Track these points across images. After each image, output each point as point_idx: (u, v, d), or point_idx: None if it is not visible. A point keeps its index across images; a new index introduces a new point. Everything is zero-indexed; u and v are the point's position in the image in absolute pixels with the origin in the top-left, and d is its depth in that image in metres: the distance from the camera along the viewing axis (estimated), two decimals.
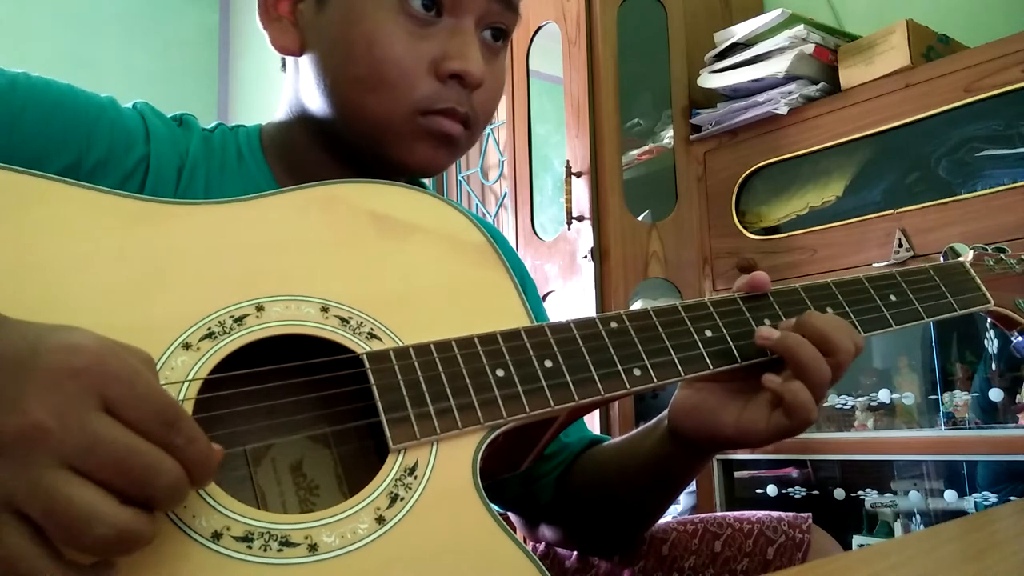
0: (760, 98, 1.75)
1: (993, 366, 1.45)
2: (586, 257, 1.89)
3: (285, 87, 0.80)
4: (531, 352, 0.57)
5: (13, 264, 0.50)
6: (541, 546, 0.90)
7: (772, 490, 1.73)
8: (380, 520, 0.48)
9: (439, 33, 0.71)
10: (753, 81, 1.76)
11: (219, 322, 0.52)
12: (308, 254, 0.58)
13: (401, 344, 0.55)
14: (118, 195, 0.56)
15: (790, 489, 1.71)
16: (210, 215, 0.58)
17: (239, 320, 0.53)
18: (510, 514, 0.89)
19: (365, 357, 0.53)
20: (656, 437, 0.73)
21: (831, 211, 1.66)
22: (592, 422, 1.78)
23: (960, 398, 1.47)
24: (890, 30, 1.59)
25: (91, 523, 0.37)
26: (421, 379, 0.53)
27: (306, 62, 0.75)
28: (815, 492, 1.68)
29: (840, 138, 1.64)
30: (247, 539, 0.46)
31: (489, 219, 2.83)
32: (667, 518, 0.83)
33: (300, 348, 0.54)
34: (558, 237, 2.01)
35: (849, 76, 1.65)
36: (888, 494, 1.58)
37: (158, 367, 0.48)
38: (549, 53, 2.11)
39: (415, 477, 0.51)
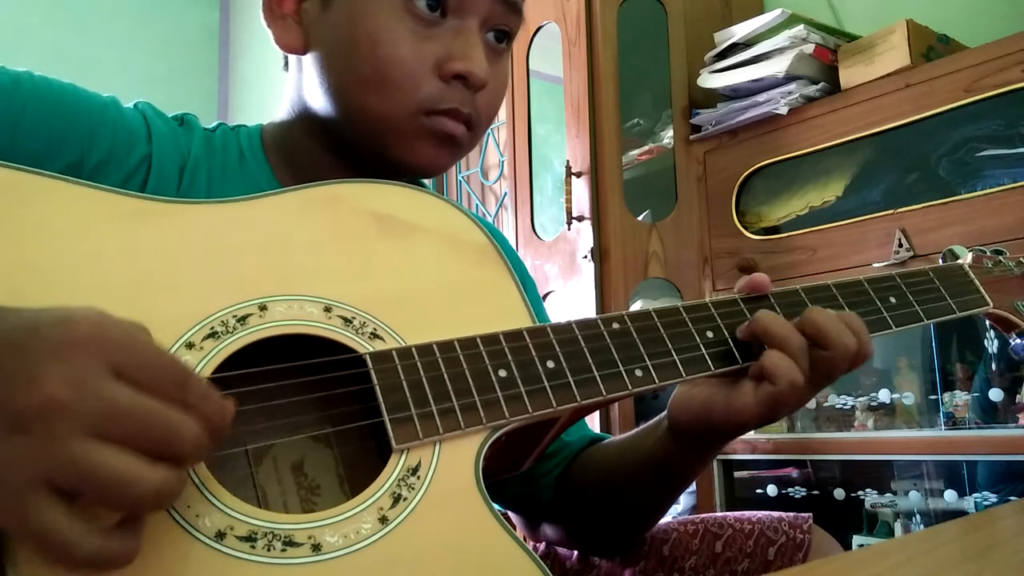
0: (760, 98, 1.75)
1: (993, 366, 1.45)
2: (586, 257, 1.89)
3: (287, 86, 0.80)
4: (533, 353, 0.57)
5: (14, 262, 0.50)
6: (542, 546, 0.90)
7: (772, 490, 1.73)
8: (383, 520, 0.49)
9: (443, 34, 0.71)
10: (753, 81, 1.76)
11: (222, 322, 0.52)
12: (311, 254, 0.58)
13: (404, 344, 0.55)
14: (120, 194, 0.56)
15: (790, 489, 1.71)
16: (212, 214, 0.58)
17: (242, 320, 0.53)
18: (511, 513, 0.89)
19: (368, 357, 0.53)
20: (657, 435, 0.73)
21: (831, 211, 1.66)
22: (592, 422, 1.78)
23: (960, 398, 1.47)
24: (890, 30, 1.59)
25: (130, 484, 0.38)
26: (424, 379, 0.53)
27: (309, 61, 0.75)
28: (815, 492, 1.68)
29: (840, 138, 1.64)
30: (251, 539, 0.46)
31: (489, 219, 2.83)
32: (668, 518, 0.83)
33: (303, 348, 0.54)
34: (558, 237, 2.01)
35: (849, 76, 1.65)
36: (888, 494, 1.58)
37: None
38: (549, 53, 2.11)
39: (418, 477, 0.51)
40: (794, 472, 1.72)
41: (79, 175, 0.59)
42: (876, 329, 0.70)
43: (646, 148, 2.08)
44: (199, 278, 0.54)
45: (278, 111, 0.81)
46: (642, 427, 0.78)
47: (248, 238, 0.57)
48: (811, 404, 1.66)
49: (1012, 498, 1.39)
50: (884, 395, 1.57)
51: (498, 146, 2.85)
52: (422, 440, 0.52)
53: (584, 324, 0.61)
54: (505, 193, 2.63)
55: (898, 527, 1.57)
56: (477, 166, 2.96)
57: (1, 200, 0.52)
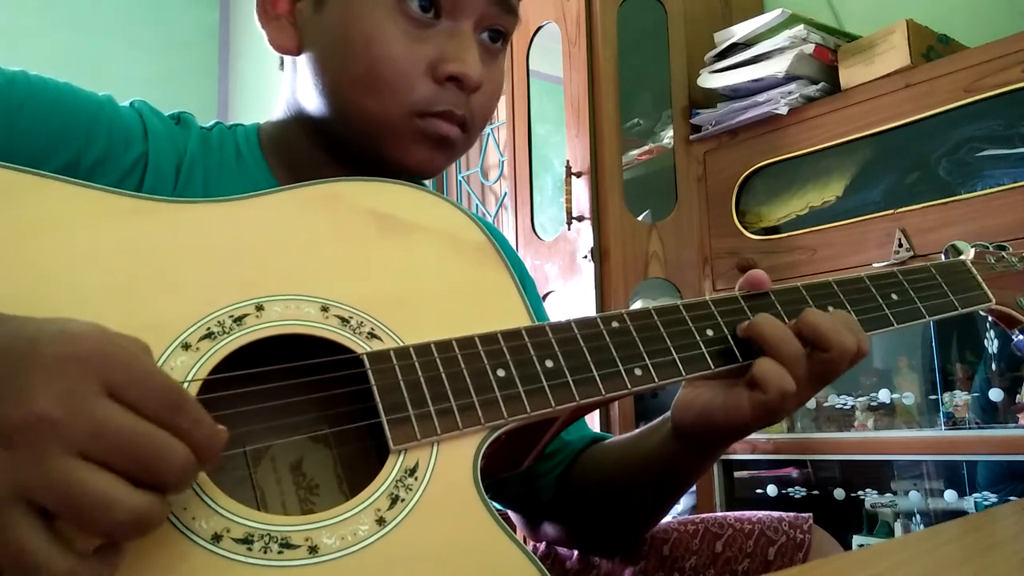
0: (760, 98, 1.75)
1: (993, 366, 1.45)
2: (586, 257, 1.89)
3: (283, 86, 0.80)
4: (532, 352, 0.57)
5: (10, 262, 0.49)
6: (542, 546, 0.90)
7: (772, 490, 1.73)
8: (381, 521, 0.48)
9: (437, 35, 0.71)
10: (753, 81, 1.76)
11: (219, 322, 0.52)
12: (308, 253, 0.58)
13: (402, 344, 0.55)
14: (116, 193, 0.56)
15: (790, 489, 1.71)
16: (209, 213, 0.58)
17: (239, 320, 0.52)
18: (511, 513, 0.89)
19: (365, 357, 0.53)
20: (660, 436, 0.73)
21: (831, 211, 1.66)
22: (592, 421, 1.78)
23: (960, 398, 1.47)
24: (890, 30, 1.59)
25: (109, 508, 0.37)
26: (422, 379, 0.53)
27: (304, 61, 0.75)
28: (815, 492, 1.68)
29: (840, 138, 1.64)
30: (247, 541, 0.46)
31: (489, 219, 2.83)
32: (668, 518, 0.83)
33: (300, 348, 0.53)
34: (558, 237, 2.01)
35: (849, 76, 1.65)
36: (888, 494, 1.58)
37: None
38: (549, 53, 2.11)
39: (416, 478, 0.51)
40: (794, 472, 1.72)
41: (75, 174, 0.59)
42: (878, 326, 0.70)
43: (646, 148, 2.08)
44: (195, 278, 0.54)
45: (274, 111, 0.81)
46: (644, 428, 0.78)
47: (245, 237, 0.57)
48: (811, 404, 1.66)
49: (1012, 498, 1.38)
50: (884, 395, 1.57)
51: (498, 146, 2.85)
52: (420, 441, 0.51)
53: (583, 323, 0.61)
54: (505, 193, 2.63)
55: (898, 527, 1.57)
56: (477, 166, 2.96)
57: None
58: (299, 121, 0.77)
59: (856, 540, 1.60)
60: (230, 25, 4.06)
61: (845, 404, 1.63)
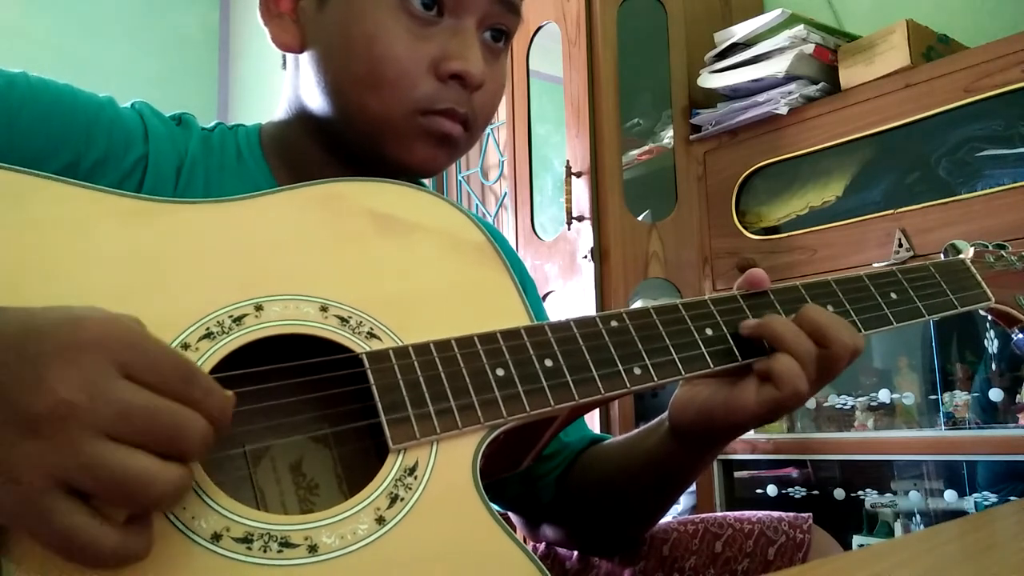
0: (760, 98, 1.75)
1: (993, 366, 1.45)
2: (586, 257, 1.89)
3: (285, 85, 0.80)
4: (531, 351, 0.57)
5: (10, 263, 0.50)
6: (542, 546, 0.90)
7: (772, 490, 1.73)
8: (380, 520, 0.48)
9: (440, 33, 0.71)
10: (753, 81, 1.76)
11: (218, 322, 0.52)
12: (307, 253, 0.58)
13: (401, 344, 0.55)
14: (117, 194, 0.56)
15: (790, 489, 1.71)
16: (209, 214, 0.58)
17: (238, 320, 0.52)
18: (510, 514, 0.89)
19: (365, 357, 0.53)
20: (658, 436, 0.73)
21: (831, 211, 1.66)
22: (592, 421, 1.78)
23: (960, 398, 1.47)
24: (890, 30, 1.59)
25: (150, 484, 0.40)
26: (421, 379, 0.53)
27: (306, 60, 0.75)
28: (815, 492, 1.68)
29: (840, 138, 1.64)
30: (247, 540, 0.46)
31: (489, 219, 2.83)
32: (667, 518, 0.83)
33: (299, 348, 0.53)
34: (558, 237, 2.01)
35: (849, 76, 1.65)
36: (888, 494, 1.58)
37: None
38: (549, 53, 2.11)
39: (415, 477, 0.51)
40: (794, 472, 1.72)
41: (75, 175, 0.59)
42: (878, 325, 0.70)
43: (646, 148, 2.08)
44: (195, 278, 0.54)
45: (276, 110, 0.81)
46: (643, 428, 0.78)
47: (244, 237, 0.57)
48: (811, 404, 1.67)
49: (1012, 498, 1.38)
50: (884, 395, 1.57)
51: (498, 146, 2.85)
52: (419, 440, 0.51)
53: (582, 322, 0.61)
54: (505, 193, 2.63)
55: (898, 527, 1.57)
56: (477, 166, 2.96)
57: None
58: (301, 120, 0.77)
59: (856, 540, 1.60)
60: (230, 25, 4.06)
61: (845, 404, 1.63)
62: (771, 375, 0.62)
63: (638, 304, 1.89)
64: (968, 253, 0.81)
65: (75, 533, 0.39)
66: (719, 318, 0.65)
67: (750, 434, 1.68)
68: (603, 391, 0.58)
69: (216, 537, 0.45)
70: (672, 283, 1.89)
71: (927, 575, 0.49)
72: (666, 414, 0.72)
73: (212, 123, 0.80)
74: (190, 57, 3.91)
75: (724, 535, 0.78)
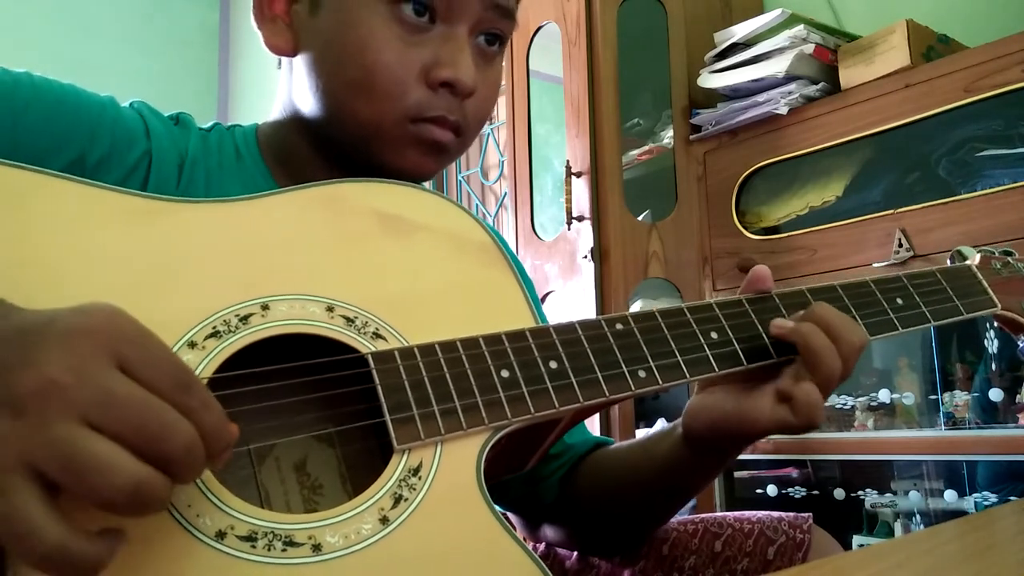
0: (760, 98, 1.75)
1: (993, 366, 1.45)
2: (586, 257, 1.89)
3: (279, 86, 0.80)
4: (536, 353, 0.57)
5: (17, 261, 0.50)
6: (541, 546, 0.90)
7: (772, 490, 1.73)
8: (384, 520, 0.49)
9: (431, 40, 0.71)
10: (753, 81, 1.76)
11: (224, 321, 0.52)
12: (313, 253, 0.58)
13: (406, 344, 0.55)
14: (122, 192, 0.56)
15: (790, 489, 1.71)
16: (214, 213, 0.58)
17: (244, 319, 0.53)
18: (510, 514, 0.89)
19: (370, 357, 0.53)
20: (669, 443, 0.73)
21: (831, 211, 1.66)
22: (592, 422, 1.78)
23: (960, 398, 1.47)
24: (890, 30, 1.59)
25: (110, 473, 0.37)
26: (426, 379, 0.53)
27: (299, 63, 0.75)
28: (815, 492, 1.68)
29: (840, 138, 1.64)
30: (251, 538, 0.46)
31: (489, 219, 2.83)
32: None
33: (305, 347, 0.54)
34: (558, 237, 2.01)
35: (849, 76, 1.65)
36: (888, 494, 1.58)
37: None
38: (549, 53, 2.11)
39: (419, 478, 0.51)
40: (794, 472, 1.72)
41: (80, 173, 0.59)
42: (883, 330, 0.70)
43: (646, 148, 2.08)
44: (201, 277, 0.54)
45: (272, 111, 0.81)
46: (652, 433, 0.78)
47: (251, 237, 0.57)
48: None
49: (1012, 498, 1.39)
50: (884, 395, 1.57)
51: (498, 146, 2.85)
52: (424, 440, 0.51)
53: (587, 324, 0.61)
54: (505, 193, 2.63)
55: (898, 527, 1.57)
56: (477, 166, 2.96)
57: (3, 198, 0.52)
58: (295, 122, 0.78)
59: (856, 540, 1.60)
60: (230, 25, 4.06)
61: (845, 404, 1.63)
62: (791, 399, 0.63)
63: (638, 304, 1.89)
64: (974, 259, 0.81)
65: (18, 516, 0.36)
66: (724, 322, 0.65)
67: None
68: (608, 393, 0.58)
69: (220, 535, 0.45)
70: (672, 283, 1.89)
71: (927, 575, 0.49)
72: (678, 421, 0.72)
73: (209, 123, 0.81)
74: (190, 57, 3.91)
75: (724, 535, 0.78)
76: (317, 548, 0.47)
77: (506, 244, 0.92)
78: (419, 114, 0.71)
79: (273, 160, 0.79)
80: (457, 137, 0.74)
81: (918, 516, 1.55)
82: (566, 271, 1.97)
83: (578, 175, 1.92)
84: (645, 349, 0.61)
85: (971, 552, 0.56)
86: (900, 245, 1.50)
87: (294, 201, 0.61)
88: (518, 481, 0.81)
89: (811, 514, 0.76)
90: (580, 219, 1.91)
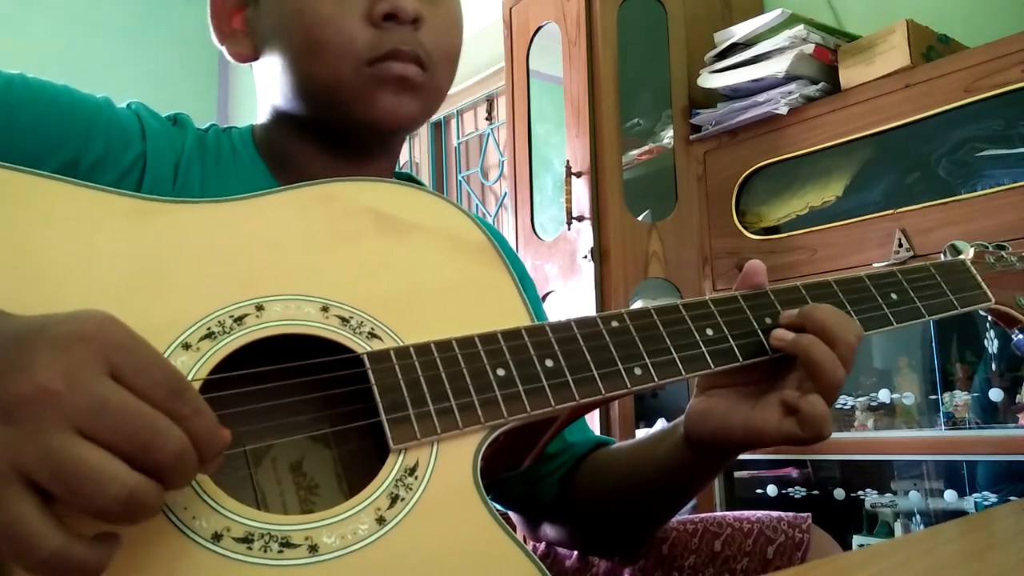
0: (760, 98, 1.75)
1: (993, 366, 1.45)
2: (586, 257, 1.89)
3: (258, 95, 0.82)
4: (532, 351, 0.57)
5: (11, 263, 0.50)
6: (542, 546, 0.90)
7: (772, 490, 1.73)
8: (381, 521, 0.48)
9: None
10: (753, 81, 1.76)
11: (219, 322, 0.52)
12: (308, 253, 0.58)
13: (402, 344, 0.55)
14: (117, 193, 0.56)
15: (790, 489, 1.71)
16: (209, 214, 0.58)
17: (239, 320, 0.52)
18: (510, 513, 0.89)
19: (366, 357, 0.53)
20: (671, 442, 0.73)
21: (831, 211, 1.66)
22: (592, 422, 1.78)
23: (960, 398, 1.47)
24: (890, 30, 1.59)
25: (103, 483, 0.37)
26: (422, 379, 0.53)
27: (263, 63, 0.77)
28: (815, 492, 1.68)
29: (840, 138, 1.64)
30: (247, 540, 0.46)
31: (489, 219, 2.83)
32: None
33: (300, 348, 0.53)
34: (558, 237, 2.01)
35: (849, 76, 1.65)
36: (888, 494, 1.58)
37: None
38: (549, 53, 2.11)
39: (416, 477, 0.51)
40: (794, 472, 1.72)
41: (75, 174, 0.59)
42: (878, 325, 0.70)
43: (646, 148, 2.08)
44: (196, 278, 0.54)
45: (258, 117, 0.82)
46: (653, 433, 0.78)
47: (245, 237, 0.57)
48: None
49: (1012, 498, 1.38)
50: (884, 395, 1.57)
51: (498, 146, 2.85)
52: (420, 440, 0.51)
53: (583, 322, 0.61)
54: (505, 193, 2.63)
55: (898, 527, 1.57)
56: (477, 166, 2.96)
57: None
58: (278, 120, 0.79)
59: (856, 540, 1.60)
60: None
61: (845, 404, 1.63)
62: (798, 413, 0.63)
63: (638, 304, 1.89)
64: (968, 254, 0.81)
65: (16, 524, 0.36)
66: (720, 319, 0.65)
67: None
68: (604, 391, 0.58)
69: (216, 537, 0.45)
70: (672, 283, 1.89)
71: (927, 575, 0.49)
72: (679, 421, 0.72)
73: (206, 124, 0.81)
74: (190, 57, 3.91)
75: (723, 534, 0.78)
76: (314, 549, 0.46)
77: (506, 244, 0.92)
78: (372, 54, 0.71)
79: (270, 158, 0.79)
80: (424, 70, 0.73)
81: (918, 516, 1.55)
82: (566, 271, 1.97)
83: (578, 175, 1.92)
84: (641, 346, 0.61)
85: (971, 552, 0.56)
86: (900, 245, 1.50)
87: (288, 201, 0.61)
88: (518, 480, 0.81)
89: (810, 514, 0.76)
90: (580, 219, 1.91)
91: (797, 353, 0.64)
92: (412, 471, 0.51)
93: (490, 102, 2.91)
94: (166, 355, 0.49)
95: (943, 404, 1.49)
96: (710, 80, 1.86)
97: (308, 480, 0.58)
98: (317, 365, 0.53)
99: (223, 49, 0.79)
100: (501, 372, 0.55)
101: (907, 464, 1.57)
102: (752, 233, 1.78)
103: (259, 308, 0.54)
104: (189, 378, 0.49)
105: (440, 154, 3.14)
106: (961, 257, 0.80)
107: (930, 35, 1.61)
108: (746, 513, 0.80)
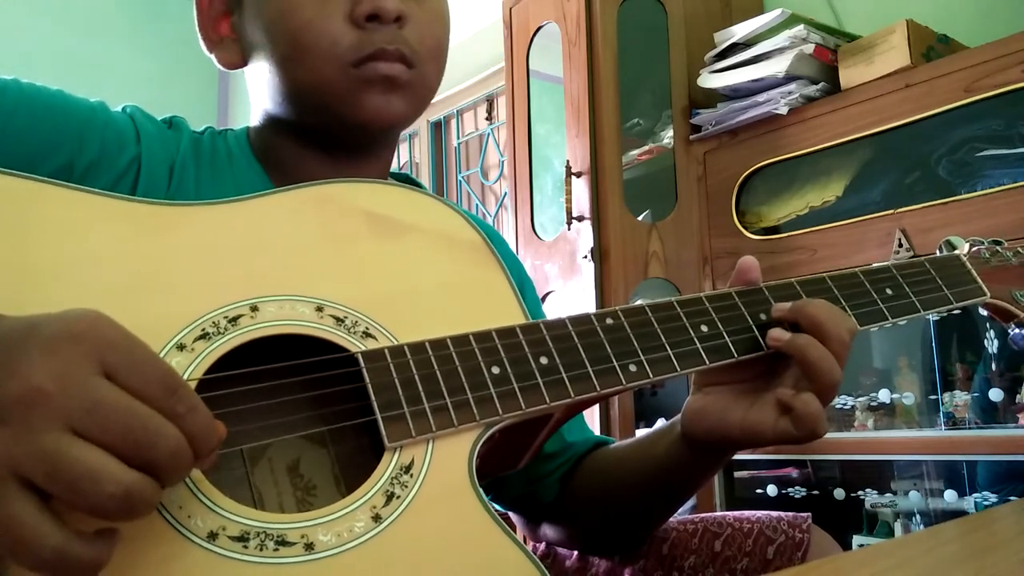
0: (760, 98, 1.75)
1: (993, 366, 1.45)
2: (586, 257, 1.89)
3: (251, 100, 0.82)
4: (527, 349, 0.57)
5: (7, 267, 0.50)
6: (541, 546, 0.90)
7: (772, 490, 1.73)
8: (376, 518, 0.48)
9: None
10: (753, 81, 1.76)
11: (213, 323, 0.52)
12: (303, 254, 0.58)
13: (396, 343, 0.55)
14: (112, 197, 0.56)
15: (790, 489, 1.71)
16: (204, 216, 0.58)
17: (233, 320, 0.52)
18: (510, 513, 0.89)
19: (360, 356, 0.53)
20: (669, 441, 0.73)
21: (831, 211, 1.66)
22: (592, 421, 1.78)
23: (960, 398, 1.47)
24: (890, 30, 1.59)
25: (98, 481, 0.38)
26: (416, 377, 0.53)
27: (251, 68, 0.78)
28: (815, 492, 1.68)
29: (840, 138, 1.64)
30: (243, 539, 0.46)
31: (489, 219, 2.83)
32: None
33: (295, 348, 0.53)
34: (558, 237, 2.01)
35: (849, 76, 1.65)
36: (888, 494, 1.58)
37: None
38: (549, 53, 2.11)
39: (411, 475, 0.51)
40: (794, 472, 1.72)
41: (70, 178, 0.60)
42: (873, 320, 0.70)
43: (646, 148, 2.08)
44: (190, 279, 0.54)
45: (251, 121, 0.82)
46: (651, 432, 0.78)
47: (240, 239, 0.57)
48: None
49: (1012, 498, 1.38)
50: (884, 395, 1.57)
51: (498, 146, 2.85)
52: (415, 438, 0.51)
53: (577, 320, 0.61)
54: (505, 193, 2.63)
55: (898, 527, 1.57)
56: (477, 166, 2.96)
57: None
58: (271, 124, 0.79)
59: (856, 540, 1.60)
60: None
61: (845, 404, 1.63)
62: (792, 412, 0.63)
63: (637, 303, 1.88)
64: (963, 249, 0.81)
65: (16, 524, 0.37)
66: (714, 315, 0.65)
67: None
68: (599, 388, 0.58)
69: (212, 536, 0.45)
70: (672, 283, 1.89)
71: (927, 575, 0.48)
72: (676, 420, 0.72)
73: (202, 127, 0.81)
74: (190, 57, 3.89)
75: (723, 534, 0.78)
76: (310, 547, 0.46)
77: (504, 244, 0.92)
78: (357, 55, 0.71)
79: (265, 160, 0.79)
80: (409, 68, 0.73)
81: (918, 516, 1.55)
82: (566, 271, 1.97)
83: (578, 175, 1.92)
84: (635, 343, 0.61)
85: (971, 552, 0.56)
86: (900, 245, 1.50)
87: (283, 202, 0.61)
88: (518, 480, 0.81)
89: (810, 514, 0.76)
90: (580, 219, 1.91)
91: (793, 353, 0.64)
92: (408, 469, 0.51)
93: (490, 102, 2.91)
94: (161, 356, 0.49)
95: (943, 404, 1.49)
96: (710, 80, 1.86)
97: (305, 480, 0.58)
98: (312, 364, 0.53)
99: (212, 57, 0.79)
100: (496, 370, 0.55)
101: (907, 464, 1.57)
102: (752, 233, 1.78)
103: (254, 309, 0.54)
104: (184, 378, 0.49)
105: (440, 154, 3.14)
106: (956, 252, 0.80)
107: (930, 35, 1.61)
108: (746, 513, 0.80)
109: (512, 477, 0.76)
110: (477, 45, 2.67)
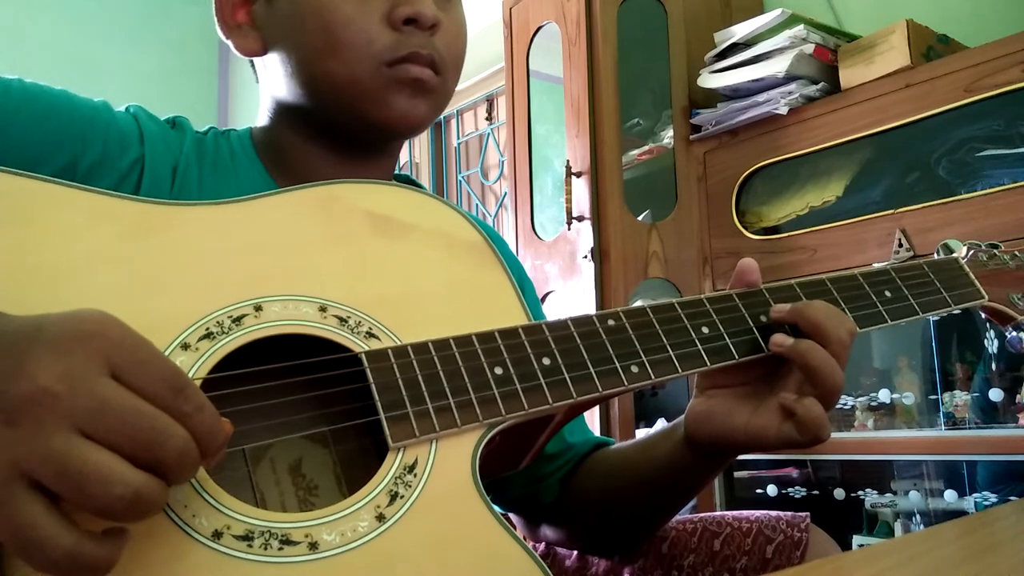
0: (760, 98, 1.75)
1: (993, 366, 1.45)
2: (586, 257, 1.89)
3: (261, 92, 0.82)
4: (529, 350, 0.57)
5: (9, 266, 0.50)
6: (541, 546, 0.90)
7: (772, 490, 1.73)
8: (380, 518, 0.49)
9: None
10: (753, 81, 1.76)
11: (217, 322, 0.52)
12: (306, 254, 0.58)
13: (399, 343, 0.55)
14: (115, 197, 0.56)
15: (790, 489, 1.71)
16: (208, 216, 0.58)
17: (237, 320, 0.53)
18: (510, 514, 0.89)
19: (364, 356, 0.53)
20: (671, 442, 0.73)
21: (831, 211, 1.66)
22: (592, 422, 1.78)
23: (960, 398, 1.47)
24: (890, 30, 1.59)
25: (107, 483, 0.38)
26: (420, 377, 0.53)
27: (271, 58, 0.77)
28: (815, 492, 1.68)
29: (840, 138, 1.64)
30: (248, 538, 0.46)
31: (489, 219, 2.83)
32: None
33: (298, 348, 0.53)
34: (558, 237, 2.01)
35: (849, 76, 1.65)
36: (888, 494, 1.58)
37: None
38: (549, 53, 2.11)
39: (415, 475, 0.51)
40: (794, 472, 1.72)
41: (73, 177, 0.60)
42: (872, 323, 0.70)
43: (646, 148, 2.08)
44: (194, 279, 0.54)
45: (258, 118, 0.82)
46: (653, 434, 0.78)
47: (244, 239, 0.57)
48: None
49: (1012, 498, 1.38)
50: (884, 395, 1.57)
51: (498, 146, 2.85)
52: (418, 438, 0.52)
53: (580, 321, 0.61)
54: (505, 193, 2.63)
55: (898, 527, 1.57)
56: (477, 166, 2.96)
57: None
58: (282, 118, 0.79)
59: (856, 540, 1.60)
60: None
61: (845, 404, 1.63)
62: (797, 418, 0.63)
63: (638, 304, 1.88)
64: (961, 252, 0.82)
65: (27, 525, 0.37)
66: (715, 317, 0.65)
67: None
68: (600, 389, 0.58)
69: (217, 535, 0.45)
70: (672, 283, 1.89)
71: (927, 575, 0.49)
72: (680, 421, 0.72)
73: (205, 127, 0.81)
74: (190, 57, 3.91)
75: (723, 534, 0.78)
76: (314, 546, 0.47)
77: (504, 245, 0.92)
78: (391, 56, 0.72)
79: (269, 159, 0.79)
80: (437, 75, 0.75)
81: (918, 516, 1.55)
82: (566, 271, 1.97)
83: (578, 175, 1.92)
84: (637, 344, 0.61)
85: (971, 552, 0.56)
86: (900, 245, 1.50)
87: (286, 202, 0.61)
88: (519, 481, 0.81)
89: (809, 513, 0.76)
90: (580, 219, 1.91)
91: (795, 358, 0.64)
92: (411, 469, 0.51)
93: (490, 102, 2.91)
94: (165, 355, 0.49)
95: (943, 404, 1.49)
96: (710, 80, 1.86)
97: (307, 481, 0.58)
98: (315, 364, 0.53)
99: (229, 43, 0.79)
100: (499, 371, 0.56)
101: (907, 464, 1.57)
102: (752, 233, 1.78)
103: (257, 308, 0.54)
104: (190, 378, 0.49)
105: (440, 154, 3.14)
106: (954, 256, 0.81)
107: (930, 35, 1.61)
108: (745, 512, 0.80)
109: (513, 478, 0.76)
110: (477, 45, 2.66)
